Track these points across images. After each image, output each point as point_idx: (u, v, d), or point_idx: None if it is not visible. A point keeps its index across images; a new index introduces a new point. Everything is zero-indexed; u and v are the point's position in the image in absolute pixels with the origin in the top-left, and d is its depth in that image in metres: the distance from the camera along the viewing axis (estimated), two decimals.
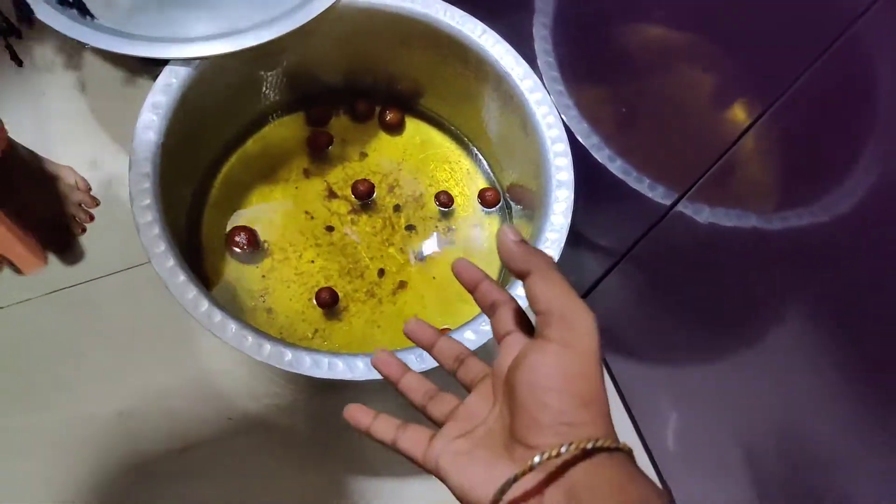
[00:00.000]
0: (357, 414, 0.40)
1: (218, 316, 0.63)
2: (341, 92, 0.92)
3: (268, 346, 0.63)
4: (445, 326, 0.82)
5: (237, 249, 0.83)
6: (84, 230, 0.87)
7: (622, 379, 0.86)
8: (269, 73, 0.85)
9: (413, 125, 0.94)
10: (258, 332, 0.64)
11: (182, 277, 0.64)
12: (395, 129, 0.93)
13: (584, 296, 0.87)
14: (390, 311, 0.84)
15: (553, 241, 0.70)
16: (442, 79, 0.86)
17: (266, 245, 0.85)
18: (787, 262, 0.56)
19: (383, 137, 0.93)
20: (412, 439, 0.37)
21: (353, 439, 0.82)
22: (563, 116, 0.76)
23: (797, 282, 0.56)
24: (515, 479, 0.30)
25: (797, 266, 0.56)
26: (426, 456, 0.35)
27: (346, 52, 0.85)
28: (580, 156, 0.75)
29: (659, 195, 0.69)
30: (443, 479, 0.34)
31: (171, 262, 0.64)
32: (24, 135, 0.81)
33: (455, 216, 0.90)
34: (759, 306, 0.61)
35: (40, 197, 0.83)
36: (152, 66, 0.94)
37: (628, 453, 0.31)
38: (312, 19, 0.74)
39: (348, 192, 0.89)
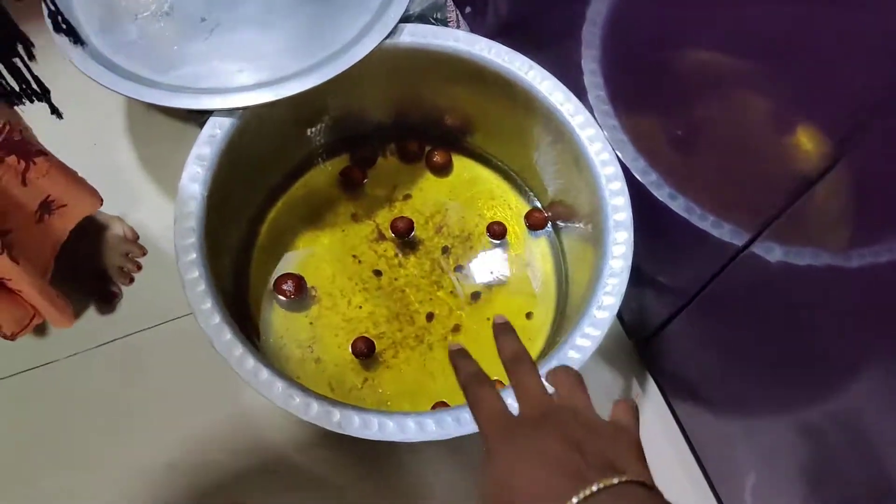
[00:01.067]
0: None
1: (265, 374, 0.61)
2: (388, 132, 0.90)
3: (315, 406, 0.60)
4: (497, 378, 0.79)
5: (284, 297, 0.81)
6: (132, 280, 0.86)
7: (693, 432, 0.81)
8: (313, 118, 0.83)
9: (460, 163, 0.91)
10: (305, 390, 0.61)
11: (228, 335, 0.62)
12: (443, 170, 0.90)
13: (648, 339, 0.83)
14: (442, 357, 0.81)
15: (613, 286, 0.66)
16: (490, 116, 0.84)
17: (314, 292, 0.83)
18: (868, 304, 0.51)
19: (430, 178, 0.90)
20: None
21: (403, 498, 0.78)
22: (618, 153, 0.72)
23: (881, 327, 0.51)
24: None
25: (880, 308, 0.50)
26: None
27: (391, 93, 0.83)
28: (638, 193, 0.71)
29: (725, 234, 0.65)
30: None
31: (216, 318, 0.63)
32: None
33: (507, 249, 0.86)
34: (837, 354, 0.56)
35: (89, 247, 0.84)
36: (198, 116, 0.94)
37: (641, 484, 0.32)
38: (355, 64, 0.73)
39: (413, 240, 0.87)
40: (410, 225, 0.86)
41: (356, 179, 0.89)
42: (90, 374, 0.83)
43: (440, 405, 0.77)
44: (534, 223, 0.87)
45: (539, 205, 0.89)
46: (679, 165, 0.70)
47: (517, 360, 0.42)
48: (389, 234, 0.87)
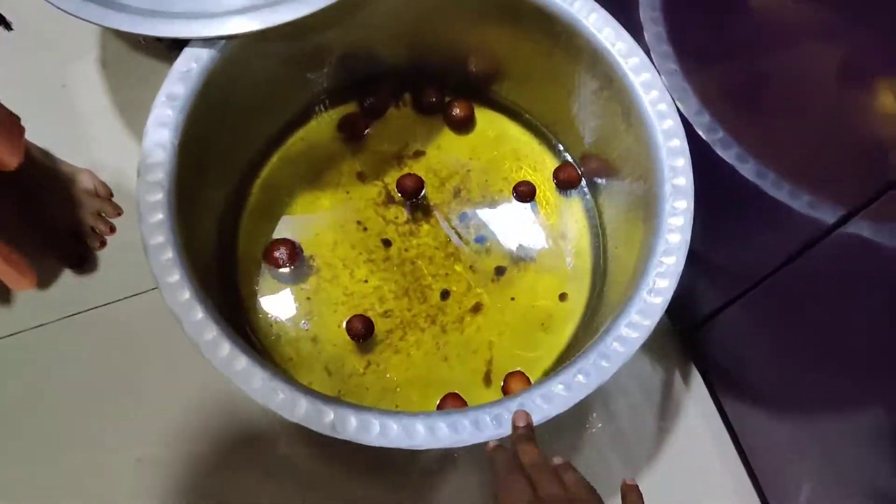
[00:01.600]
0: None
1: (242, 362, 0.51)
2: (402, 78, 0.78)
3: (303, 404, 0.50)
4: (517, 370, 0.68)
5: (276, 266, 0.70)
6: (104, 243, 0.76)
7: (743, 433, 0.70)
8: (313, 57, 0.71)
9: (484, 117, 0.79)
10: (292, 384, 0.50)
11: (199, 315, 0.51)
12: (464, 125, 0.78)
13: (699, 327, 0.71)
14: (457, 340, 0.70)
15: (668, 266, 0.54)
16: (521, 59, 0.71)
17: (312, 261, 0.72)
18: None
19: (449, 135, 0.78)
20: None
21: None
22: (678, 104, 0.59)
23: None
24: None
25: None
26: None
27: (406, 28, 0.71)
28: (698, 153, 0.59)
29: (803, 205, 0.53)
30: None
31: (185, 294, 0.52)
32: (36, 133, 0.70)
33: (537, 217, 0.74)
34: None
35: (54, 204, 0.73)
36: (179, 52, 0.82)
37: None
38: None
39: (423, 202, 0.75)
40: (420, 184, 0.74)
41: (359, 128, 0.77)
42: (55, 350, 0.72)
43: (451, 397, 0.66)
44: (564, 180, 0.75)
45: (571, 159, 0.76)
46: (752, 123, 0.58)
47: (538, 468, 0.45)
48: (399, 196, 0.75)
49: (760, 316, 0.63)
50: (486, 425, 0.49)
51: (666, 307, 0.53)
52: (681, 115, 0.59)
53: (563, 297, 0.70)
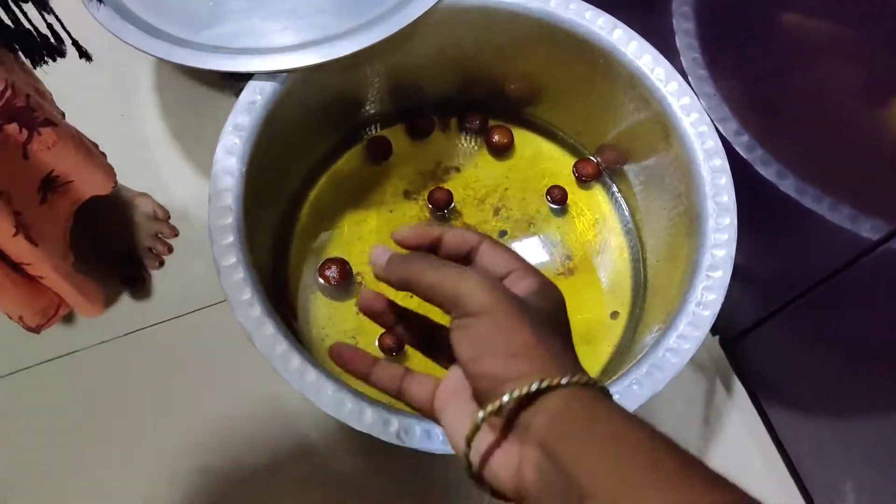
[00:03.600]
0: (349, 355, 0.37)
1: (312, 375, 0.53)
2: (446, 102, 0.81)
3: (369, 413, 0.52)
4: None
5: (327, 284, 0.73)
6: (162, 263, 0.79)
7: (789, 442, 0.71)
8: (363, 85, 0.75)
9: (522, 139, 0.81)
10: (357, 394, 0.53)
11: (270, 330, 0.54)
12: (504, 151, 0.80)
13: (740, 338, 0.73)
14: None
15: (715, 280, 0.57)
16: (560, 83, 0.74)
17: (359, 278, 0.75)
18: None
19: (488, 157, 0.81)
20: (418, 391, 0.35)
21: None
22: (717, 125, 0.62)
23: None
24: (470, 436, 0.30)
25: None
26: (433, 406, 0.34)
27: (452, 56, 0.74)
28: (739, 171, 0.62)
29: (845, 219, 0.55)
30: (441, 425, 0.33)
31: (257, 311, 0.55)
32: None
33: (573, 230, 0.77)
34: None
35: (115, 227, 0.76)
36: (235, 82, 0.86)
37: (593, 385, 0.29)
38: (411, 23, 0.64)
39: (452, 216, 0.78)
40: (449, 197, 0.77)
41: (378, 152, 0.80)
42: (116, 366, 0.76)
43: None
44: (584, 173, 0.78)
45: (616, 190, 0.79)
46: (790, 140, 0.60)
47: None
48: (444, 214, 0.78)
49: (804, 327, 0.65)
50: None
51: (714, 319, 0.55)
52: (720, 135, 0.62)
53: (614, 315, 0.72)
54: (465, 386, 0.32)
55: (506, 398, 0.28)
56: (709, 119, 0.62)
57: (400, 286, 0.34)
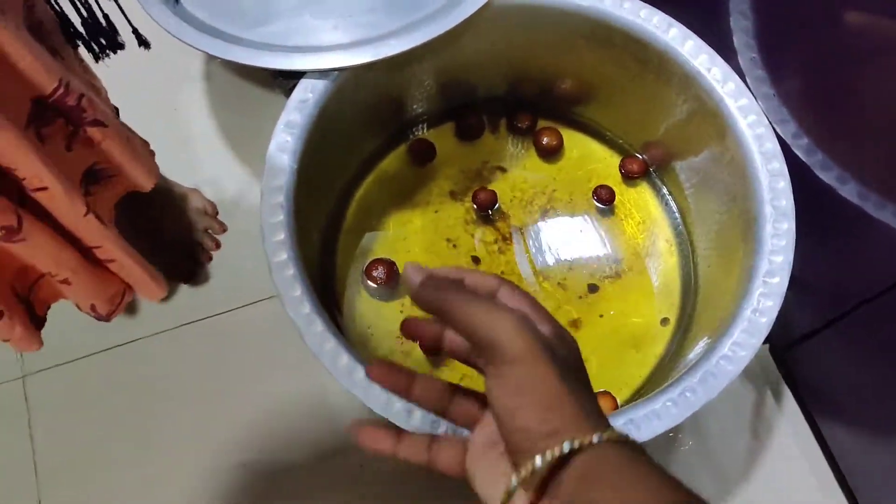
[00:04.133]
0: (374, 437, 0.37)
1: (360, 373, 0.53)
2: (497, 102, 0.80)
3: (418, 414, 0.52)
4: (603, 390, 0.69)
5: (374, 284, 0.73)
6: (211, 258, 0.80)
7: (843, 457, 0.69)
8: (412, 83, 0.74)
9: (570, 139, 0.80)
10: None
11: (320, 327, 0.54)
12: (552, 154, 0.80)
13: (792, 347, 0.71)
14: None
15: (771, 286, 0.55)
16: (611, 83, 0.73)
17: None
18: None
19: (537, 158, 0.80)
20: (448, 457, 0.35)
21: None
22: (775, 127, 0.61)
23: None
24: (508, 496, 0.30)
25: None
26: (464, 469, 0.34)
27: (503, 55, 0.73)
28: (797, 175, 0.60)
29: None
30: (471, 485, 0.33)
31: (307, 307, 0.55)
32: None
33: (622, 233, 0.76)
34: None
35: (167, 222, 0.77)
36: (284, 80, 0.87)
37: (624, 442, 0.29)
38: (462, 21, 0.63)
39: (497, 217, 0.77)
40: (494, 197, 0.77)
41: (422, 155, 0.79)
42: (166, 358, 0.77)
43: None
44: (631, 173, 0.77)
45: (658, 179, 0.77)
46: (852, 144, 0.59)
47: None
48: (494, 216, 0.77)
49: (863, 337, 0.63)
50: None
51: (770, 327, 0.54)
52: (778, 137, 0.60)
53: (664, 321, 0.71)
54: (494, 441, 0.33)
55: (539, 462, 0.28)
56: (767, 121, 0.60)
57: (431, 311, 0.34)
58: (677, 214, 0.76)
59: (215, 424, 0.74)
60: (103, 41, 0.54)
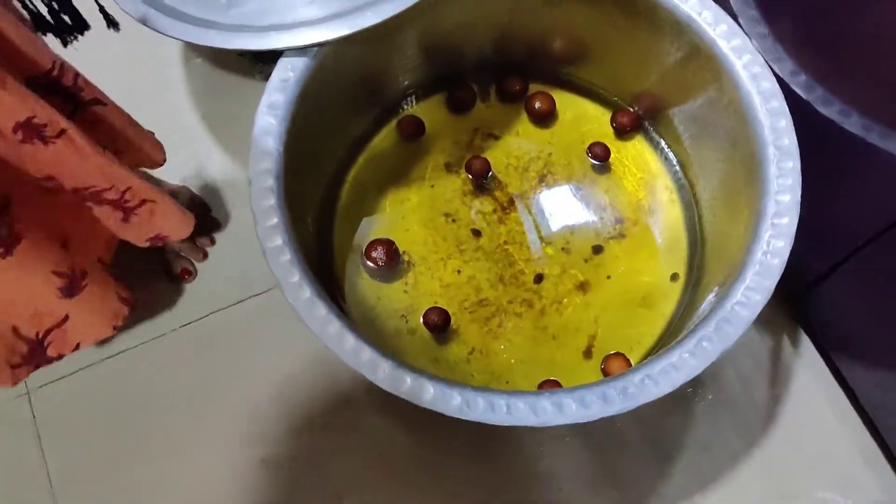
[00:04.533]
0: None
1: (367, 353, 0.52)
2: (486, 68, 0.78)
3: (431, 389, 0.51)
4: (615, 351, 0.68)
5: (374, 265, 0.71)
6: (206, 255, 0.79)
7: (865, 394, 0.68)
8: (396, 54, 0.72)
9: (564, 101, 0.78)
10: (415, 371, 0.52)
11: (322, 311, 0.53)
12: (545, 119, 0.78)
13: (806, 291, 0.70)
14: (556, 322, 0.70)
15: (781, 227, 0.54)
16: (602, 38, 0.71)
17: (406, 257, 0.73)
18: None
19: (530, 124, 0.79)
20: None
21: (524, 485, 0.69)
22: (771, 66, 0.59)
23: None
24: None
25: None
26: None
27: (486, 19, 0.71)
28: (797, 113, 0.58)
29: None
30: None
31: (307, 292, 0.53)
32: None
33: (622, 191, 0.74)
34: None
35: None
36: (264, 66, 0.84)
37: None
38: None
39: (494, 185, 0.76)
40: (487, 165, 0.75)
41: (411, 131, 0.77)
42: (173, 359, 0.75)
43: (549, 384, 0.67)
44: (623, 127, 0.76)
45: (655, 132, 0.76)
46: (852, 77, 0.57)
47: None
48: (489, 185, 0.76)
49: (876, 274, 0.61)
50: (613, 399, 0.50)
51: (783, 267, 0.52)
52: (776, 76, 0.58)
53: (674, 277, 0.70)
54: None
55: None
56: (763, 60, 0.58)
57: None
58: (677, 167, 0.74)
59: (226, 420, 0.73)
60: (67, 19, 0.52)
